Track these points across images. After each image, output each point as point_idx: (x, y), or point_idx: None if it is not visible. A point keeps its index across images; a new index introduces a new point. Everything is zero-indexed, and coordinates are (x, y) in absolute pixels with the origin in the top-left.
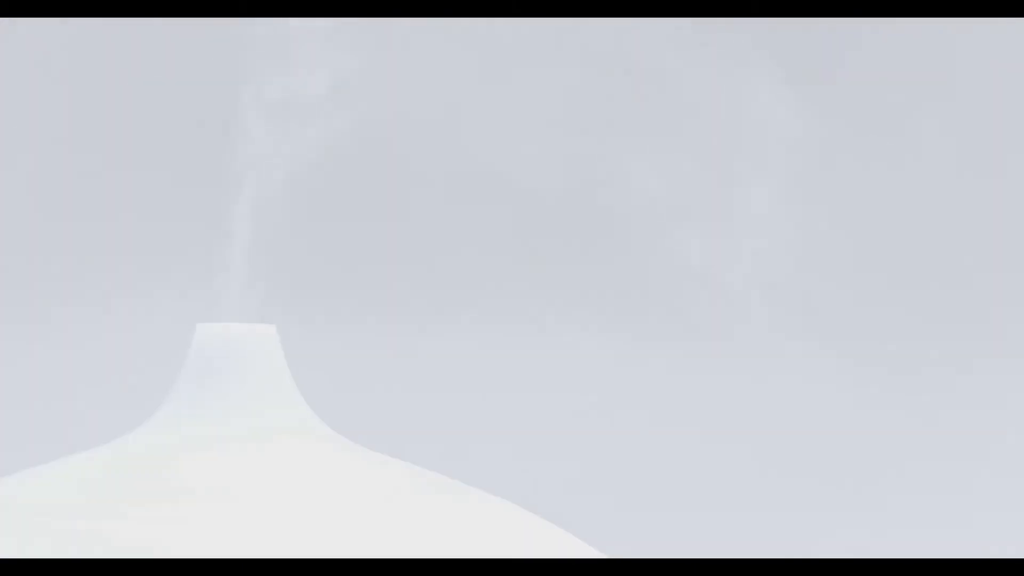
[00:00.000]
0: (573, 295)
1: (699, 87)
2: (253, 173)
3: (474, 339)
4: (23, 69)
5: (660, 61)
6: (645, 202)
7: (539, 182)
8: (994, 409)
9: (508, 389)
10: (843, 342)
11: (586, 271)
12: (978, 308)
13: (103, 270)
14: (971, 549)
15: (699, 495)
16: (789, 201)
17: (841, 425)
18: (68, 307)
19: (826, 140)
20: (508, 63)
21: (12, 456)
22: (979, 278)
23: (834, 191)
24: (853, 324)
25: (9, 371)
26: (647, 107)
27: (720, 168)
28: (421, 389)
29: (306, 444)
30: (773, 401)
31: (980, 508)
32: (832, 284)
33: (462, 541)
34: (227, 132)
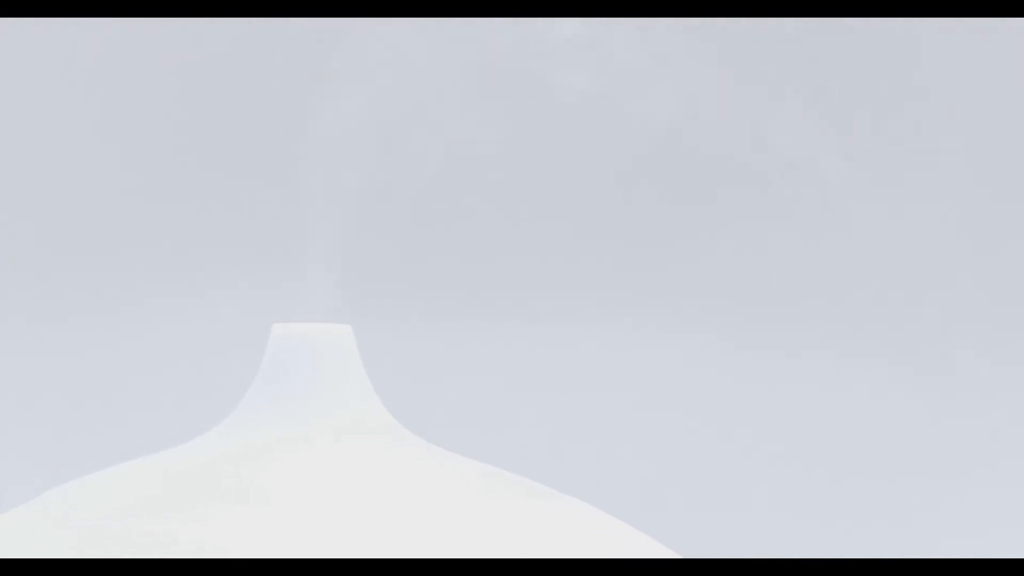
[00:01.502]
0: (656, 297)
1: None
2: (329, 175)
3: (554, 340)
4: (124, 68)
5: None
6: (727, 206)
7: (621, 183)
8: None
9: (588, 390)
10: (905, 346)
11: (668, 275)
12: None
13: (178, 269)
14: None
15: (774, 496)
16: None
17: (918, 432)
18: (140, 307)
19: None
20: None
21: (88, 456)
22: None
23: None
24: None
25: (82, 370)
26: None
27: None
28: (500, 390)
29: (382, 445)
30: (842, 402)
31: None
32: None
33: (540, 542)
34: (304, 133)
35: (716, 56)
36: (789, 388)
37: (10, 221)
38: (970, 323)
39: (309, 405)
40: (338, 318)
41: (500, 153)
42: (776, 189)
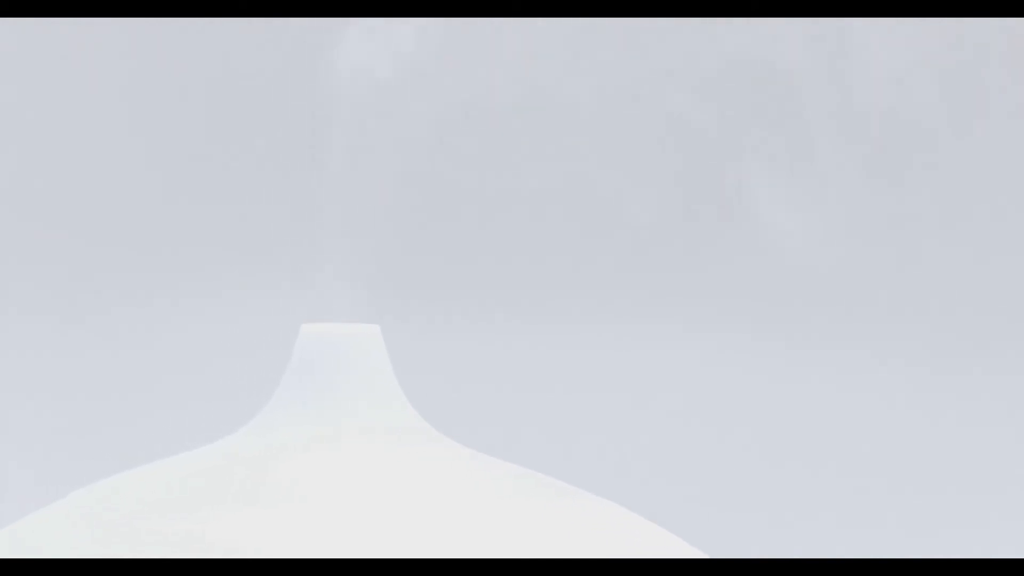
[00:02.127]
0: (682, 298)
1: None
2: (357, 173)
3: (582, 340)
4: (153, 68)
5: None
6: (748, 207)
7: (641, 185)
8: None
9: (615, 390)
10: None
11: (691, 276)
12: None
13: (207, 270)
14: None
15: (801, 495)
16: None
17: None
18: (169, 307)
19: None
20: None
21: (115, 455)
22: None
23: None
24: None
25: (109, 370)
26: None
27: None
28: (527, 390)
29: (410, 445)
30: (856, 403)
31: None
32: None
33: (569, 542)
34: (320, 130)
35: (722, 57)
36: (804, 388)
37: (37, 222)
38: (982, 324)
39: (337, 405)
40: (367, 318)
41: (505, 154)
42: (788, 190)
